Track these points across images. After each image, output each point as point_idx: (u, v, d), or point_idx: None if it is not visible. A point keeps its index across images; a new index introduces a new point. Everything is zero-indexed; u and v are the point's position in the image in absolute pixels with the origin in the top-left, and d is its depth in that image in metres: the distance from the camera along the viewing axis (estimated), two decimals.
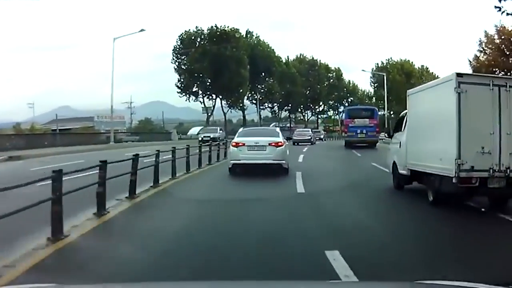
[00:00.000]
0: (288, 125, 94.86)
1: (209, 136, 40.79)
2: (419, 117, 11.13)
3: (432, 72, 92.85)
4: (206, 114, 69.65)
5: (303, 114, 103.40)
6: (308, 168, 18.68)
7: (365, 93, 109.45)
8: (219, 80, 64.61)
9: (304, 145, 40.99)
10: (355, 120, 36.89)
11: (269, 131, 19.76)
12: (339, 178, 15.72)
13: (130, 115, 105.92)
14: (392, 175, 13.03)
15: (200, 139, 40.20)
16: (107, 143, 50.89)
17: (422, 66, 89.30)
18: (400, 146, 12.32)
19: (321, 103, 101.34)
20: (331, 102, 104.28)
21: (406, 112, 12.28)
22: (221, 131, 47.01)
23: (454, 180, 8.87)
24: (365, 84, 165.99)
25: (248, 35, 76.60)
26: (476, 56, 39.10)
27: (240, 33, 70.44)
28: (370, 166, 19.52)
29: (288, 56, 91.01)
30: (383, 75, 61.67)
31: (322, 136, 62.93)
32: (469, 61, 40.04)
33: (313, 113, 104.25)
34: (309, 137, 45.86)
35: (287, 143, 18.16)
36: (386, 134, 18.79)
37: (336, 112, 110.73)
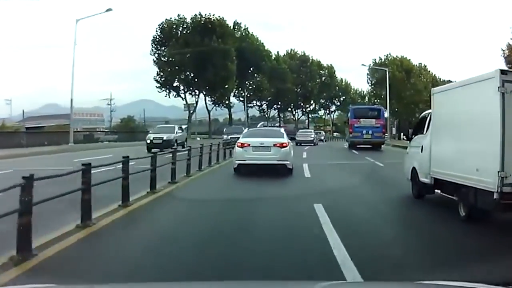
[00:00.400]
0: (277, 124, 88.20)
1: (161, 138, 30.05)
2: (447, 119, 9.72)
3: (429, 71, 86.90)
4: (188, 112, 61.80)
5: (293, 113, 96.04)
6: (328, 193, 12.53)
7: (358, 92, 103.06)
8: (202, 74, 58.03)
9: (305, 145, 40.79)
10: (361, 120, 35.17)
11: (274, 132, 19.68)
12: (391, 218, 9.76)
13: (110, 112, 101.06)
14: (410, 182, 11.69)
15: (148, 141, 30.29)
16: (84, 142, 47.35)
17: (420, 63, 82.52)
18: (421, 151, 10.92)
19: (312, 102, 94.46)
20: (322, 101, 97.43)
21: (429, 113, 10.88)
22: (180, 131, 33.38)
23: (495, 196, 7.58)
24: (357, 83, 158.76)
25: (236, 27, 69.44)
26: (510, 45, 32.42)
27: (227, 24, 62.82)
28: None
29: (278, 52, 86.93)
30: (386, 70, 54.67)
31: (322, 138, 63.24)
32: (502, 50, 33.43)
33: (304, 112, 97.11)
34: (312, 138, 46.92)
35: (291, 143, 18.11)
36: (404, 137, 13.25)
37: (328, 111, 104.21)
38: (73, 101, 39.09)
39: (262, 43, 75.28)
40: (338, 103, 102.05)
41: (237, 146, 16.76)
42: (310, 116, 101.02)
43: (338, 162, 23.44)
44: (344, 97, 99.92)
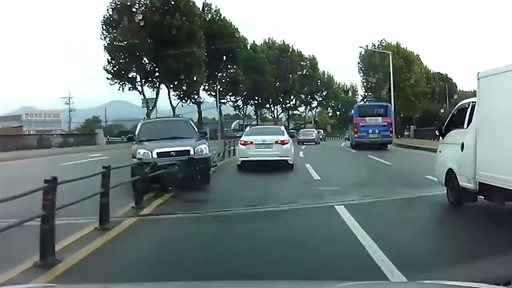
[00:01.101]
0: (254, 122, 76.40)
1: None
2: (501, 110, 7.62)
3: (422, 62, 76.31)
4: (146, 109, 49.10)
5: (272, 109, 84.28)
6: None
7: (341, 86, 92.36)
8: (163, 60, 44.77)
9: (306, 144, 40.07)
10: (366, 118, 33.06)
11: (275, 130, 19.95)
12: None
13: (69, 112, 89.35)
14: (446, 187, 9.53)
15: None
16: (37, 147, 37.39)
17: (412, 52, 71.17)
18: (462, 149, 8.80)
19: (292, 97, 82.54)
20: (302, 96, 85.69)
21: (470, 103, 8.96)
22: None
23: None
24: (339, 77, 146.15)
25: (206, 9, 57.13)
26: None
27: (194, 1, 50.62)
28: None
29: (254, 41, 74.69)
30: (388, 53, 43.46)
31: (321, 137, 59.24)
32: None
33: (283, 109, 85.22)
34: (314, 137, 45.80)
35: (291, 140, 18.41)
36: (437, 132, 10.74)
37: (309, 107, 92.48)
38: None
39: (237, 28, 62.97)
40: (320, 99, 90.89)
41: (240, 144, 17.28)
42: (290, 113, 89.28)
43: (403, 195, 11.10)
44: (326, 92, 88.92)
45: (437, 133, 10.73)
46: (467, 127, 8.86)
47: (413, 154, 26.90)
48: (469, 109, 8.94)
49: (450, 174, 9.30)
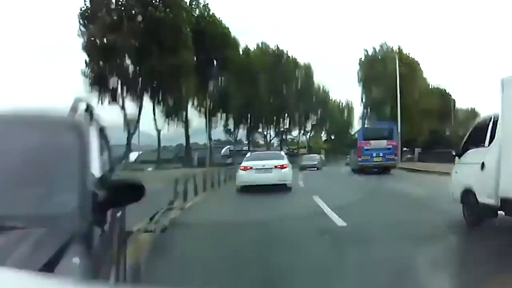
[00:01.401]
0: (246, 148, 69.88)
1: None
2: None
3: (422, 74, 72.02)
4: (127, 132, 43.48)
5: (265, 133, 78.42)
6: None
7: (336, 103, 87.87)
8: (145, 60, 40.47)
9: (309, 170, 39.28)
10: (371, 142, 31.90)
11: (275, 154, 20.57)
12: None
13: None
14: (462, 205, 8.93)
15: None
16: None
17: (413, 58, 67.58)
18: (482, 168, 8.19)
19: (286, 115, 77.00)
20: (296, 116, 79.89)
21: (492, 117, 8.17)
22: None
23: None
24: (334, 93, 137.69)
25: (194, 3, 53.25)
26: None
27: None
28: None
29: (247, 45, 67.76)
30: (394, 58, 39.05)
31: (322, 162, 56.51)
32: None
33: (277, 133, 79.33)
34: (316, 162, 45.63)
35: (290, 165, 18.67)
36: (453, 152, 9.96)
37: (303, 130, 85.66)
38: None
39: (227, 27, 56.38)
40: (315, 122, 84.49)
41: (240, 169, 17.39)
42: (283, 137, 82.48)
43: None
44: (321, 111, 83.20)
45: (454, 154, 9.90)
46: (489, 145, 8.19)
47: (438, 182, 22.00)
48: (490, 124, 8.20)
49: (467, 193, 8.70)
